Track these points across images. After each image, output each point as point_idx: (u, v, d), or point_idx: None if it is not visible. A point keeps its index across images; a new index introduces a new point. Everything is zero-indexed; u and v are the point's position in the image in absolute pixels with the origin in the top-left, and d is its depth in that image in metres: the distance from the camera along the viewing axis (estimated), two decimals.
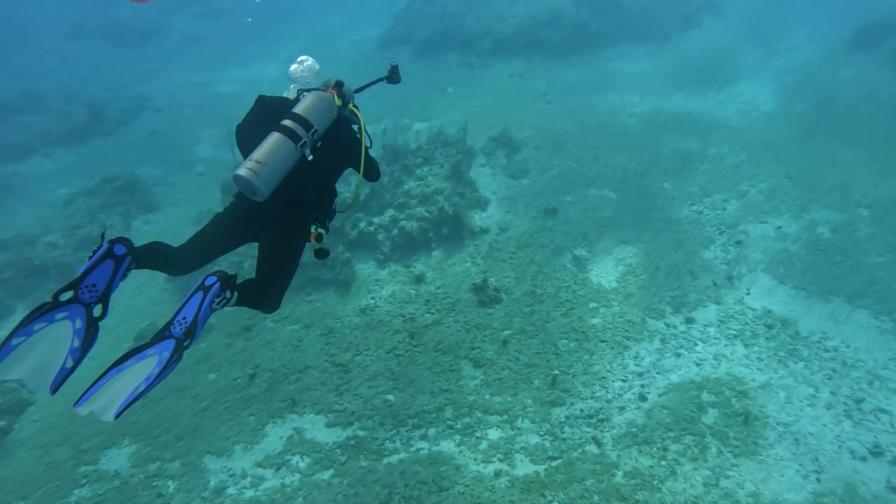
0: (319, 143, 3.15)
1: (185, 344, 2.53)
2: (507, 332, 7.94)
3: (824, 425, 6.56)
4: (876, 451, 6.24)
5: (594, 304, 8.34)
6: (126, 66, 20.50)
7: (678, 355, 7.55)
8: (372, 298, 8.78)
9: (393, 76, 3.96)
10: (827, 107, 12.98)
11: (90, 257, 2.51)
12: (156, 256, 2.87)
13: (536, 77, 15.62)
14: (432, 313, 8.38)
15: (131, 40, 22.74)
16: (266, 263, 3.10)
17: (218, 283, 2.69)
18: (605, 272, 8.91)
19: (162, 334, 2.51)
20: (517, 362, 7.52)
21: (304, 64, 3.71)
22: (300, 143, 2.98)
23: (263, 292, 3.07)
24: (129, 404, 2.30)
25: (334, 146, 3.29)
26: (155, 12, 24.08)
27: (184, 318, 2.55)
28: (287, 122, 3.01)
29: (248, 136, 3.20)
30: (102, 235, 2.72)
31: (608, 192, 10.61)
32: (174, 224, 11.21)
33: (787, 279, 8.60)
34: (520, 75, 15.83)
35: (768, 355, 7.44)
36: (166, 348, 2.45)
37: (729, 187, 10.64)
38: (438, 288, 8.80)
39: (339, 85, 3.53)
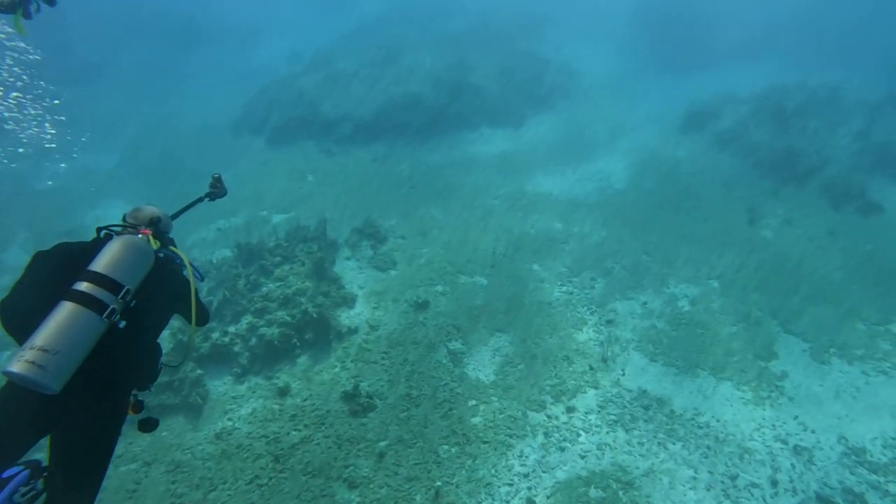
0: (133, 303, 2.64)
1: None
2: (383, 444, 7.56)
3: None
4: None
5: (474, 402, 8.26)
6: None
7: (562, 449, 7.60)
8: (229, 420, 8.01)
9: (216, 190, 3.61)
10: (671, 183, 14.63)
11: None
12: None
13: (399, 161, 16.07)
14: (299, 430, 7.80)
15: None
16: (67, 467, 2.41)
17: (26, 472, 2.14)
18: (483, 365, 8.93)
19: None
20: (396, 477, 7.12)
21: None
22: (106, 313, 2.45)
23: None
24: None
25: (154, 299, 2.78)
26: None
27: None
28: (84, 287, 2.45)
29: (25, 310, 2.50)
30: None
31: (479, 279, 10.86)
32: None
33: (657, 356, 9.17)
34: (382, 160, 16.19)
35: (648, 439, 7.74)
36: None
37: (595, 265, 11.37)
38: (305, 400, 8.26)
39: (154, 222, 3.06)
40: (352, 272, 11.07)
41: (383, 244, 11.84)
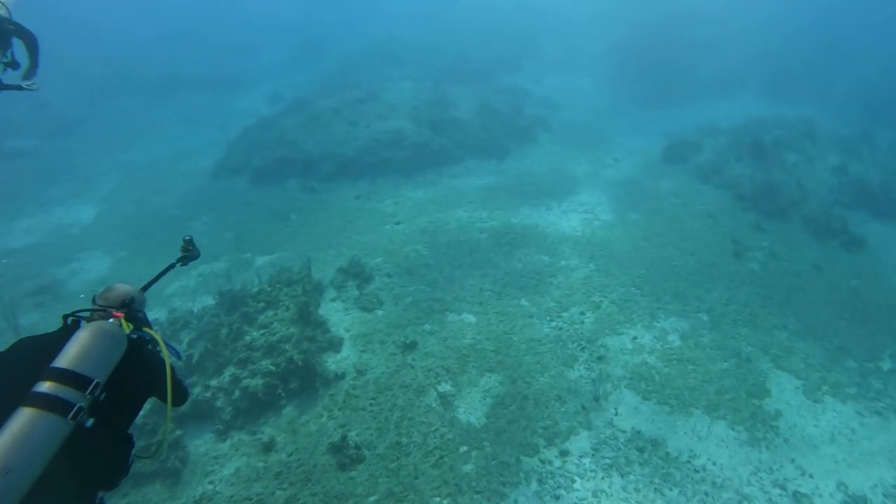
0: (103, 395, 2.43)
1: None
2: (372, 499, 7.31)
3: None
4: None
5: (465, 448, 8.06)
6: None
7: (557, 497, 7.42)
8: (210, 483, 7.66)
9: (189, 253, 3.44)
10: (656, 215, 14.78)
11: None
12: None
13: (383, 198, 16.04)
14: (284, 489, 7.50)
15: None
16: None
17: None
18: (473, 408, 8.76)
19: None
20: None
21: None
22: (72, 414, 2.23)
23: None
24: None
25: (127, 388, 2.60)
26: None
27: None
28: (46, 388, 2.22)
29: None
30: None
31: (467, 316, 10.75)
32: None
33: (649, 394, 9.09)
34: (366, 197, 16.15)
35: (644, 484, 7.59)
36: None
37: (583, 300, 11.34)
38: (291, 455, 7.98)
39: (127, 303, 2.85)
40: (338, 314, 10.89)
41: (369, 283, 11.71)
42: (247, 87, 29.86)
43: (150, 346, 2.92)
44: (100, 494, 2.55)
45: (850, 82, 23.70)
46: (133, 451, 2.76)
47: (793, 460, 8.10)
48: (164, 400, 2.76)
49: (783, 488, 7.67)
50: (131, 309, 2.89)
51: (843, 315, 11.26)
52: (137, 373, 2.72)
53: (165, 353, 2.83)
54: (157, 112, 26.31)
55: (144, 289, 3.12)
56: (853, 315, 11.28)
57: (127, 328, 2.77)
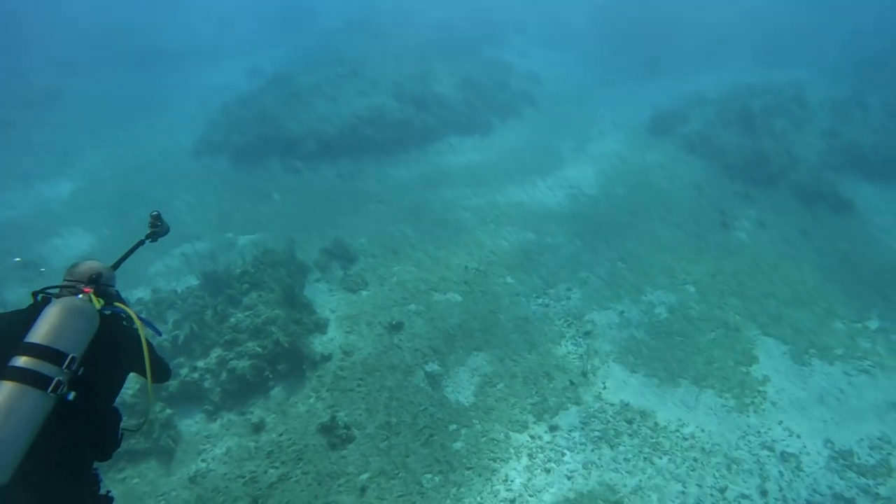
0: (81, 370, 2.48)
1: None
2: (364, 477, 7.40)
3: None
4: None
5: (455, 426, 8.14)
6: None
7: (548, 471, 7.53)
8: (203, 461, 7.76)
9: (157, 229, 3.41)
10: (643, 189, 14.79)
11: None
12: None
13: (366, 177, 15.93)
14: (276, 467, 7.59)
15: None
16: None
17: None
18: (462, 387, 8.82)
19: None
20: None
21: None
22: (51, 387, 2.31)
23: None
24: None
25: (105, 363, 2.64)
26: None
27: None
28: (23, 362, 2.29)
29: None
30: None
31: (453, 296, 10.76)
32: None
33: (637, 367, 9.19)
34: (349, 176, 16.03)
35: (634, 454, 7.71)
36: None
37: (570, 276, 11.38)
38: (281, 435, 8.05)
39: (94, 279, 2.86)
40: (323, 295, 10.87)
41: (353, 264, 11.67)
42: (226, 61, 29.23)
43: (125, 322, 2.94)
44: (94, 465, 2.63)
45: (841, 40, 23.55)
46: (121, 423, 2.81)
47: (780, 422, 8.26)
48: (144, 374, 2.82)
49: (771, 450, 7.84)
50: (99, 284, 2.89)
51: (831, 278, 11.36)
52: (114, 348, 2.75)
53: (140, 328, 2.86)
54: (134, 85, 25.62)
55: (115, 266, 3.13)
56: (842, 278, 11.38)
57: (98, 303, 2.79)
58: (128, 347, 2.85)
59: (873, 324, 10.22)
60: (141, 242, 3.34)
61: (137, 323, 2.87)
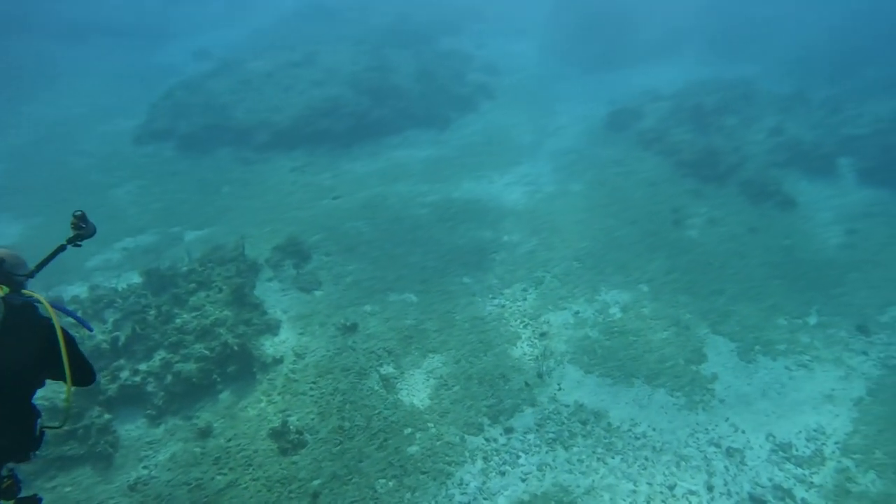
0: None
1: None
2: (316, 483, 7.41)
3: None
4: None
5: (409, 430, 8.21)
6: None
7: (503, 473, 7.69)
8: (144, 468, 7.61)
9: (82, 231, 3.15)
10: (599, 185, 15.11)
11: None
12: None
13: (321, 170, 15.77)
14: (224, 473, 7.52)
15: None
16: None
17: None
18: (417, 389, 8.90)
19: None
20: None
21: None
22: None
23: None
24: None
25: (13, 354, 2.50)
26: None
27: None
28: None
29: None
30: None
31: (409, 296, 10.81)
32: None
33: (592, 368, 9.44)
34: (302, 169, 15.83)
35: (588, 455, 7.95)
36: None
37: (526, 276, 11.56)
38: (230, 440, 7.97)
39: None
40: (275, 294, 10.76)
41: (307, 262, 11.58)
42: (171, 40, 28.18)
43: (38, 312, 2.76)
44: (9, 465, 2.52)
45: (785, 42, 24.40)
46: (39, 421, 2.69)
47: (727, 419, 8.64)
48: (62, 375, 2.63)
49: (718, 446, 8.21)
50: (3, 269, 2.72)
51: (776, 274, 11.87)
52: (21, 339, 2.59)
53: (55, 319, 2.68)
54: (65, 60, 24.22)
55: (33, 273, 2.94)
56: (785, 273, 11.90)
57: (2, 291, 2.62)
58: (39, 340, 2.66)
59: (812, 319, 10.74)
60: (62, 247, 3.09)
61: (51, 313, 2.68)
